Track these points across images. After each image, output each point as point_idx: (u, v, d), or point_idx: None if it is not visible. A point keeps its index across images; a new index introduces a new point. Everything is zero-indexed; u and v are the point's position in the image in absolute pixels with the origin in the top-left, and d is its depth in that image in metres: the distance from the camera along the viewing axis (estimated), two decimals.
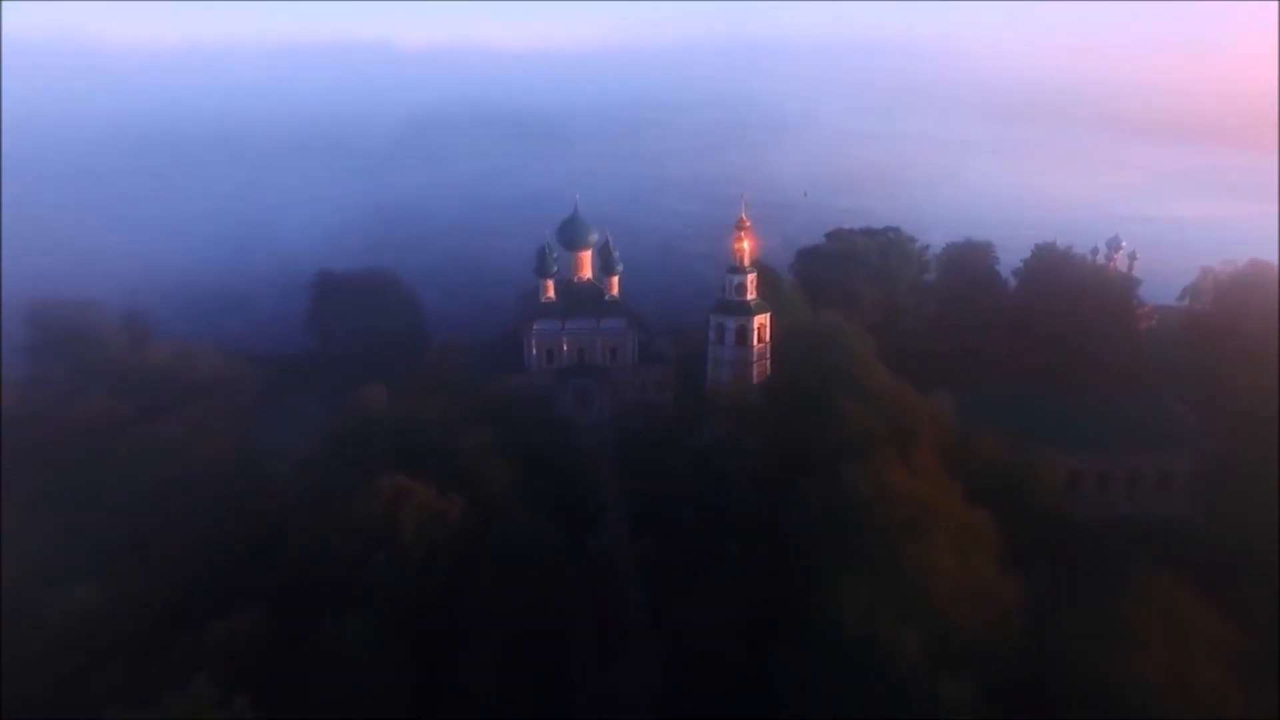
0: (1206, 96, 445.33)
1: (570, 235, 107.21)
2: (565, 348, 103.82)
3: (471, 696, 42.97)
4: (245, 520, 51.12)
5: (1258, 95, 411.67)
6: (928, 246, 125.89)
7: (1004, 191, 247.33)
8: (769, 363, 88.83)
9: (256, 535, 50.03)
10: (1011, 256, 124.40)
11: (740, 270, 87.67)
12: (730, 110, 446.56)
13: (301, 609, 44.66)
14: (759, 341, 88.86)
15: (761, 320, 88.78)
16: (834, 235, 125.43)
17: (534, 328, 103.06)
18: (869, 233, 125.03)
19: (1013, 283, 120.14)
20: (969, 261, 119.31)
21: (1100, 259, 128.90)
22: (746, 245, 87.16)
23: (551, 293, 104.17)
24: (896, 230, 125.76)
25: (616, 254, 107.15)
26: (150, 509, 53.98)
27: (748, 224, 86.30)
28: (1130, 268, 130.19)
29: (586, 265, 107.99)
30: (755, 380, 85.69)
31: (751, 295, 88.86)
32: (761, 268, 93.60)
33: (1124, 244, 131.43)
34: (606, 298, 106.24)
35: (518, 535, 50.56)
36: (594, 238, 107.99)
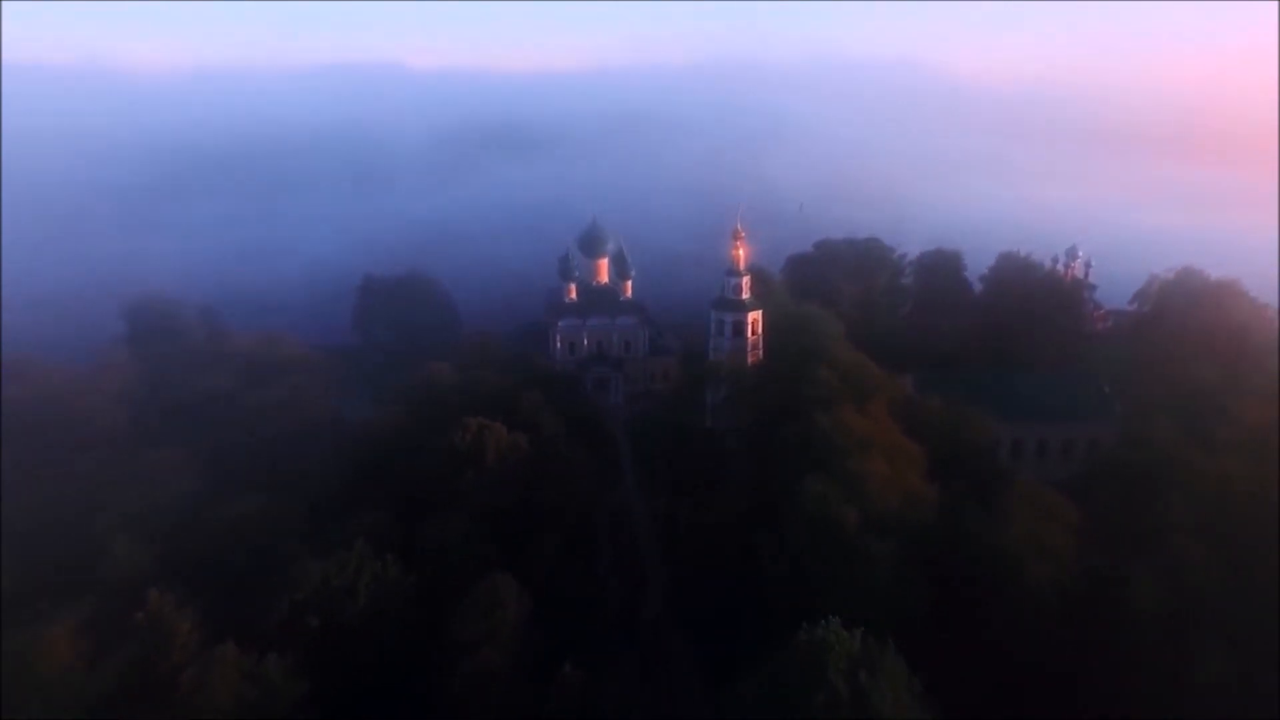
0: (1190, 111, 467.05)
1: (590, 245, 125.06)
2: (586, 341, 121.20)
3: (536, 577, 59.60)
4: (357, 451, 68.42)
5: (1237, 110, 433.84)
6: (904, 255, 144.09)
7: (982, 202, 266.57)
8: (761, 351, 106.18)
9: (367, 462, 67.31)
10: (985, 262, 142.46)
11: (736, 273, 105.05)
12: (727, 126, 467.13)
13: (411, 510, 61.80)
14: (752, 334, 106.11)
15: (754, 315, 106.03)
16: (821, 245, 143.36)
17: (559, 324, 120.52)
18: (851, 242, 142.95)
19: (979, 287, 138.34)
20: (939, 268, 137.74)
21: (1060, 266, 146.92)
22: (741, 251, 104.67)
23: (574, 294, 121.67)
24: (876, 240, 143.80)
25: (629, 260, 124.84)
26: (278, 447, 71.34)
27: (742, 233, 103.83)
28: (1086, 274, 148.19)
29: (604, 270, 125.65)
30: (749, 365, 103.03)
31: (746, 294, 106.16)
32: (754, 271, 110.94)
33: (1080, 253, 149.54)
34: (621, 299, 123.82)
35: (567, 467, 68.03)
36: (610, 247, 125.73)
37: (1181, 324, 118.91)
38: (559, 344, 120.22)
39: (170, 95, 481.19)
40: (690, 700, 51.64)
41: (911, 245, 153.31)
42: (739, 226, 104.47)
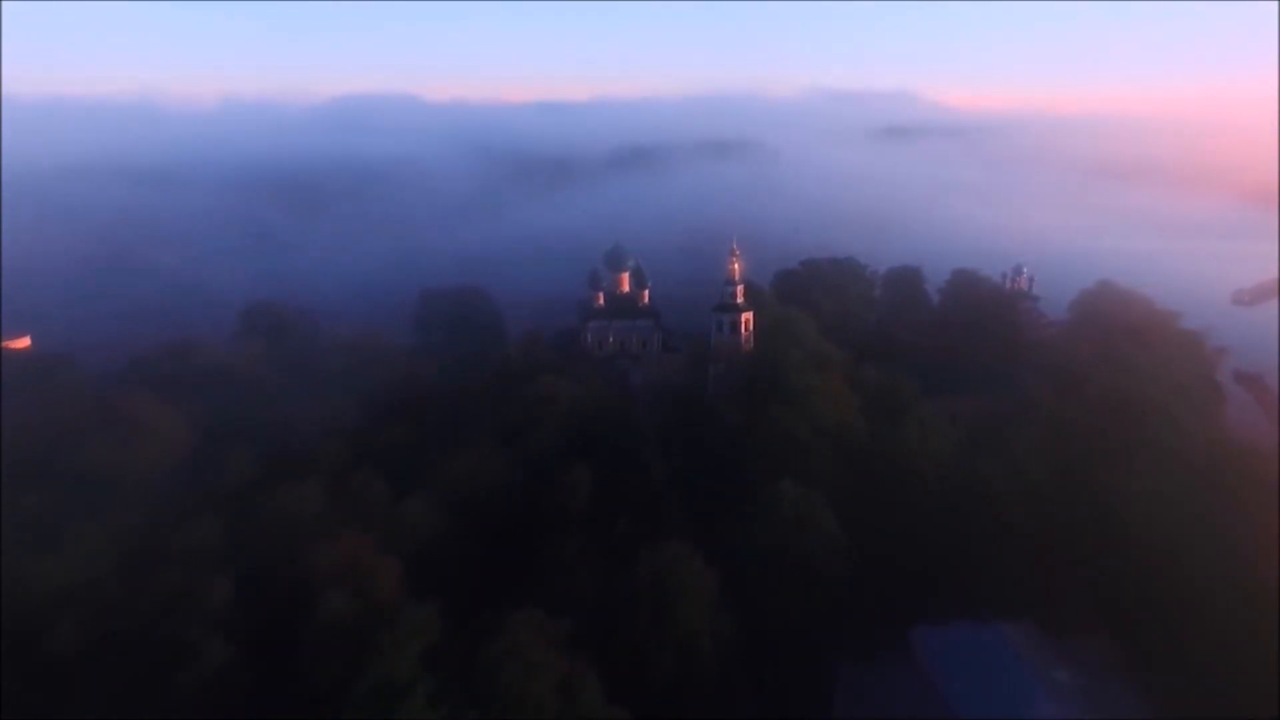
0: (1147, 145, 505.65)
1: (614, 261, 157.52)
2: (611, 340, 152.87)
3: (598, 472, 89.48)
4: (462, 399, 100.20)
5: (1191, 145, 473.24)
6: (875, 270, 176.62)
7: (951, 224, 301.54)
8: (752, 344, 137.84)
9: (471, 406, 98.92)
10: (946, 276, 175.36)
11: (732, 282, 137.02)
12: (724, 155, 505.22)
13: (506, 433, 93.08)
14: (745, 330, 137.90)
15: (747, 316, 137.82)
16: (806, 262, 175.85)
17: (589, 326, 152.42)
18: (832, 260, 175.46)
19: (937, 297, 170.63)
20: (904, 282, 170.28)
21: (1006, 281, 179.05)
22: (736, 266, 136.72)
23: (601, 301, 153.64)
24: (852, 259, 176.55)
25: (646, 274, 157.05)
26: (404, 399, 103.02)
27: (737, 251, 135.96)
28: (1029, 287, 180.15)
29: (625, 282, 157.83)
30: (742, 352, 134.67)
31: (740, 300, 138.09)
32: (748, 283, 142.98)
33: (1025, 269, 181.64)
34: (639, 305, 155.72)
35: (616, 413, 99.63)
36: (630, 263, 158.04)
37: (1096, 325, 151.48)
38: (589, 341, 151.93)
39: (199, 126, 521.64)
40: (693, 539, 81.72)
41: (885, 262, 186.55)
42: (734, 246, 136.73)
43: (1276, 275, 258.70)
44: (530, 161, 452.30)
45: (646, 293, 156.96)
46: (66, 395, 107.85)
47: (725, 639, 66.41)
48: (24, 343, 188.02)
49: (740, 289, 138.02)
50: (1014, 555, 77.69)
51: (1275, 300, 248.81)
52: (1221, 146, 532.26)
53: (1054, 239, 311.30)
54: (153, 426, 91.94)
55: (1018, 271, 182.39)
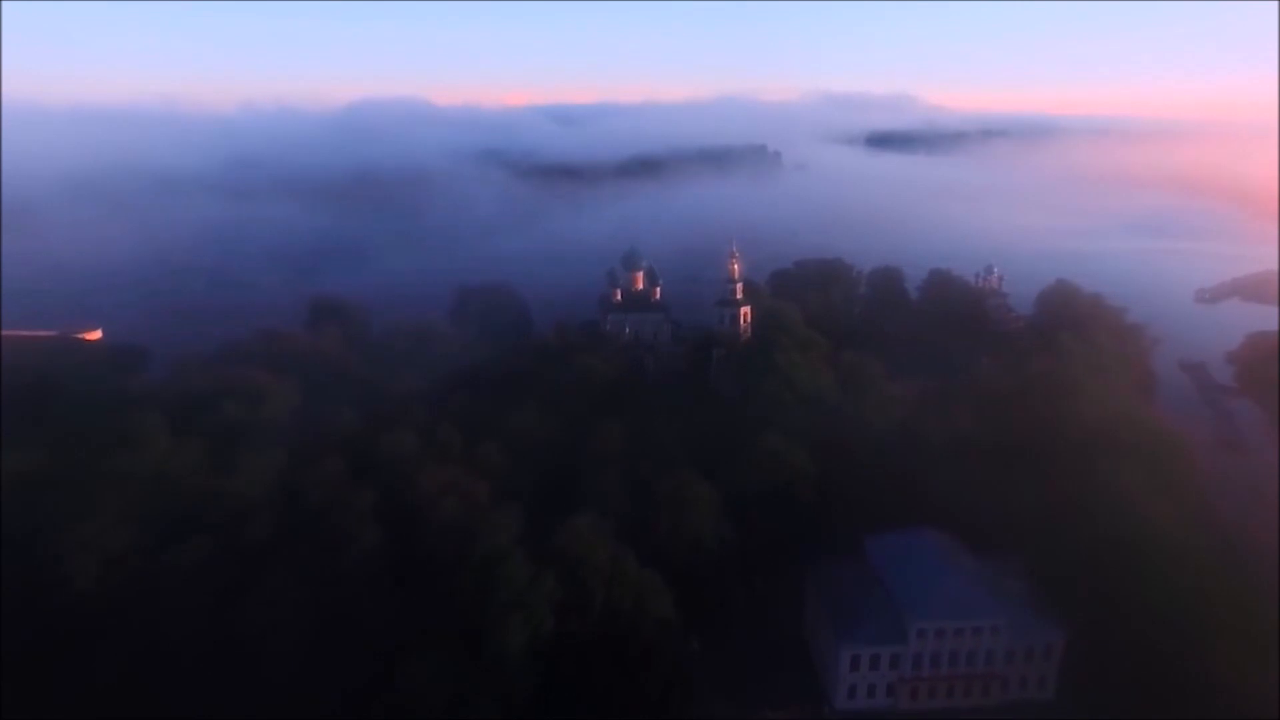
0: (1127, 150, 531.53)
1: (629, 262, 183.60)
2: (627, 331, 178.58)
3: (626, 425, 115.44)
4: (512, 372, 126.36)
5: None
6: (861, 271, 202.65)
7: (946, 226, 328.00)
8: (749, 334, 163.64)
9: (519, 378, 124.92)
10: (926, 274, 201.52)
11: (732, 280, 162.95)
12: (727, 157, 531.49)
13: (552, 404, 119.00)
14: (744, 323, 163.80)
15: (745, 310, 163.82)
16: (799, 263, 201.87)
17: (608, 318, 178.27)
18: (822, 261, 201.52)
19: (915, 295, 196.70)
20: (885, 280, 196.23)
21: (979, 280, 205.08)
22: (736, 266, 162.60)
23: (619, 297, 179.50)
24: (840, 260, 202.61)
25: (658, 273, 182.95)
26: (466, 374, 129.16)
27: (736, 253, 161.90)
28: (999, 285, 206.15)
29: (640, 280, 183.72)
30: (740, 340, 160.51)
31: (739, 296, 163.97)
32: (746, 280, 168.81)
33: (995, 269, 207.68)
34: (652, 300, 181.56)
35: (637, 387, 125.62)
36: (644, 264, 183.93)
37: (1053, 319, 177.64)
38: (608, 331, 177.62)
39: (221, 132, 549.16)
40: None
41: (877, 261, 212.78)
42: (734, 248, 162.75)
43: (1237, 276, 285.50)
44: (540, 166, 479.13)
45: (658, 289, 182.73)
46: (180, 372, 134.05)
47: (724, 542, 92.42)
48: (96, 334, 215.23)
49: (739, 286, 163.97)
50: (942, 488, 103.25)
51: (1236, 299, 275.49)
52: (1217, 147, 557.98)
53: (1044, 239, 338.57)
54: (268, 392, 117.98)
55: (989, 271, 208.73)
